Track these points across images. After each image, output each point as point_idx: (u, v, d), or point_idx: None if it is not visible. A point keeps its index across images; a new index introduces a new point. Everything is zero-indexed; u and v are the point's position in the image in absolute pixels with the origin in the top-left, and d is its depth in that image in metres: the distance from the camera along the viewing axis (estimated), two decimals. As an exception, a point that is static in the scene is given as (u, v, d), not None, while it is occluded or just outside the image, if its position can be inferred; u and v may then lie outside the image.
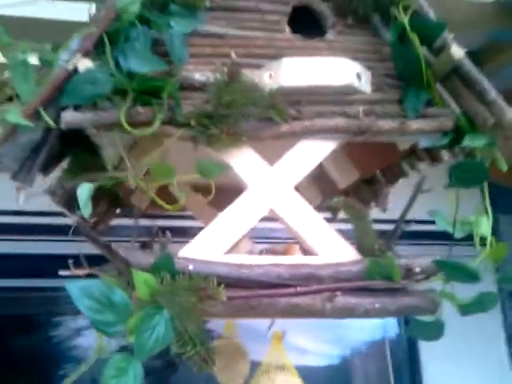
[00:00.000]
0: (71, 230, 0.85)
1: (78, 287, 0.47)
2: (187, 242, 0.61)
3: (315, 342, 1.90)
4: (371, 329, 1.99)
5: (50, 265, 1.52)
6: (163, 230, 0.76)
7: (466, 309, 0.60)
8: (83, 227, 0.58)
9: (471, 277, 0.60)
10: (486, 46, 1.46)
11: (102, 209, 0.92)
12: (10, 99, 0.61)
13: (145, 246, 0.90)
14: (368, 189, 0.93)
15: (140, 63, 0.56)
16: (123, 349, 0.51)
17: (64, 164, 0.73)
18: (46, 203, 0.75)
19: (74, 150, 0.71)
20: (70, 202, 0.76)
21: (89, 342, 1.72)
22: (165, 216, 1.16)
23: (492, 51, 1.49)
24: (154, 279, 0.53)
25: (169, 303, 0.52)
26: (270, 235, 1.25)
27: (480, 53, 1.47)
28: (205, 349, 0.51)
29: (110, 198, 0.92)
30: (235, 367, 0.94)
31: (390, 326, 1.97)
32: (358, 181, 0.92)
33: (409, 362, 1.94)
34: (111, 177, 0.66)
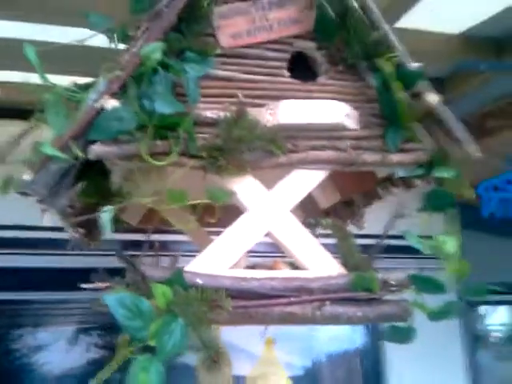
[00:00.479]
0: (70, 246, 0.92)
1: (114, 298, 0.56)
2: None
3: (285, 352, 2.01)
4: (342, 339, 2.13)
5: (10, 278, 1.60)
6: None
7: (435, 316, 0.71)
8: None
9: (439, 289, 0.70)
10: (451, 74, 1.60)
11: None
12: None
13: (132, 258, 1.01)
14: (346, 209, 1.04)
15: (164, 105, 0.65)
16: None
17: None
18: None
19: (89, 173, 0.79)
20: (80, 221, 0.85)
21: (49, 355, 1.79)
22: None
23: (456, 79, 1.63)
24: (170, 291, 0.62)
25: (183, 312, 0.62)
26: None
27: (445, 80, 1.61)
28: (215, 352, 0.60)
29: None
30: (219, 374, 1.03)
31: (359, 337, 2.13)
32: (338, 202, 1.03)
33: (376, 369, 2.08)
34: (122, 199, 0.75)
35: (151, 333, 0.60)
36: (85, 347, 1.84)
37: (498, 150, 1.58)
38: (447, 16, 1.32)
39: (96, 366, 1.80)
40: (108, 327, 1.82)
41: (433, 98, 0.73)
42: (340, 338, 2.12)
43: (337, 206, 1.02)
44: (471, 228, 1.80)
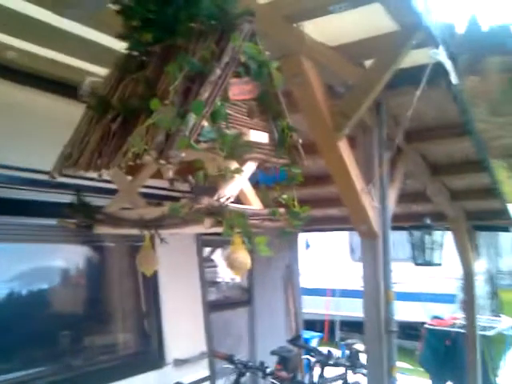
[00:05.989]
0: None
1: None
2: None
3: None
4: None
5: None
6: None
7: (296, 226, 1.74)
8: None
9: (298, 216, 1.75)
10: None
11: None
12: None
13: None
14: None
15: (227, 131, 1.45)
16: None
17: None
18: None
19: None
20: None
21: None
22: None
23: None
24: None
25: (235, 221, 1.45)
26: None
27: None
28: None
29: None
30: (150, 262, 1.79)
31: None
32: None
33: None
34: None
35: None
36: None
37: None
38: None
39: None
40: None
41: (298, 139, 1.75)
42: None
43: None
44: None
